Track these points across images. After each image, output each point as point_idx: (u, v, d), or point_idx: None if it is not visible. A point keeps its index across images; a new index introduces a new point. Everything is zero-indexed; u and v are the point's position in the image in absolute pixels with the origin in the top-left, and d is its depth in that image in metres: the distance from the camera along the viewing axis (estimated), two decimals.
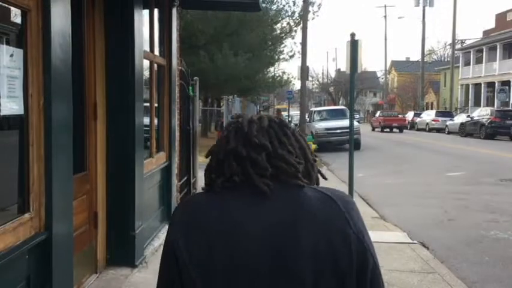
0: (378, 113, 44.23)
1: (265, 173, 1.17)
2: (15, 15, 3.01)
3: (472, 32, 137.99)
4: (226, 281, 1.11)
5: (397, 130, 37.03)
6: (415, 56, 71.22)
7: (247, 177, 1.17)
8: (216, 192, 1.18)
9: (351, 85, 8.87)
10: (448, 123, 33.96)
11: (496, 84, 39.38)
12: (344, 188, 8.89)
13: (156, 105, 6.32)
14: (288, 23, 25.59)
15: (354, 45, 8.33)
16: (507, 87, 37.43)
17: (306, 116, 25.04)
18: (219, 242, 1.12)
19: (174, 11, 6.80)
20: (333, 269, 1.12)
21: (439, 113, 38.84)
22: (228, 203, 1.16)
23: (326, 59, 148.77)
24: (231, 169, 1.18)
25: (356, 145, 16.89)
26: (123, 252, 4.96)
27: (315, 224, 1.13)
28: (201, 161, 10.52)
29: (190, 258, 1.14)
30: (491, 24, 50.78)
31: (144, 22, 5.41)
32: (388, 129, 37.25)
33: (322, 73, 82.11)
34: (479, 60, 44.19)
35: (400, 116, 41.04)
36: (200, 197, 1.22)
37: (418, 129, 38.84)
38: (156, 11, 6.31)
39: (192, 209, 1.20)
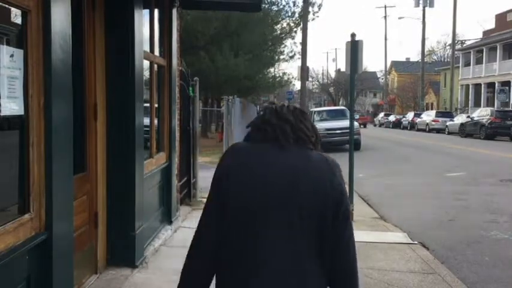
0: None
1: (289, 137, 1.80)
2: (16, 15, 3.01)
3: (472, 32, 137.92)
4: (258, 191, 1.74)
5: (362, 126, 45.05)
6: (415, 56, 71.18)
7: (275, 138, 1.80)
8: (255, 143, 1.83)
9: (350, 85, 8.88)
10: (448, 123, 33.95)
11: (496, 85, 39.39)
12: None
13: (156, 105, 6.32)
14: (288, 24, 25.63)
15: (354, 45, 8.33)
16: (507, 87, 37.44)
17: None
18: (255, 173, 1.76)
19: (174, 11, 6.80)
20: (322, 201, 1.74)
21: (439, 114, 38.82)
22: (262, 149, 1.80)
23: (326, 59, 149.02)
24: (266, 131, 1.81)
25: (356, 145, 16.89)
26: (123, 253, 4.96)
27: (314, 172, 1.77)
28: (201, 161, 10.53)
29: (235, 181, 1.77)
30: (491, 24, 50.84)
31: (144, 22, 5.41)
32: None
33: (322, 73, 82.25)
34: (479, 61, 44.20)
35: (363, 115, 60.85)
36: (245, 144, 1.88)
37: (418, 130, 38.87)
38: (156, 11, 6.31)
39: (239, 149, 1.86)
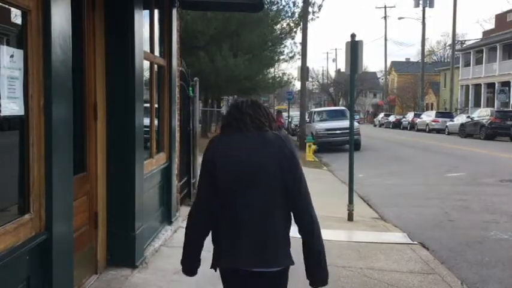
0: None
1: (249, 127, 2.52)
2: (16, 15, 3.01)
3: (472, 32, 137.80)
4: (235, 168, 2.48)
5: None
6: (415, 56, 71.06)
7: (240, 129, 2.53)
8: (227, 134, 2.57)
9: (350, 86, 8.87)
10: (448, 124, 33.94)
11: (496, 85, 39.38)
12: (344, 189, 8.89)
13: (156, 105, 6.31)
14: (288, 24, 25.60)
15: (354, 46, 8.33)
16: (507, 88, 37.43)
17: (306, 117, 25.03)
18: (231, 153, 2.50)
19: (174, 11, 6.80)
20: (279, 168, 2.47)
21: (439, 114, 38.81)
22: (233, 138, 2.54)
23: (326, 59, 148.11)
24: (233, 124, 2.55)
25: (356, 146, 16.89)
26: (123, 253, 4.96)
27: (272, 147, 2.50)
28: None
29: (220, 161, 2.49)
30: (491, 24, 50.80)
31: (144, 23, 5.41)
32: None
33: (322, 74, 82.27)
34: (479, 61, 44.19)
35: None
36: (220, 136, 2.60)
37: (418, 130, 38.86)
38: (156, 11, 6.31)
39: (218, 140, 2.58)
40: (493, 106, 36.60)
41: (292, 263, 2.59)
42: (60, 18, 3.21)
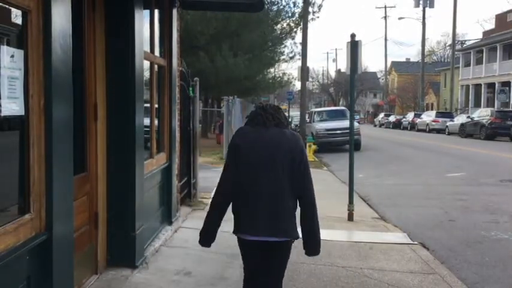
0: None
1: (270, 123, 3.25)
2: (16, 15, 3.01)
3: (472, 32, 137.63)
4: (257, 153, 3.19)
5: None
6: (415, 56, 71.03)
7: (263, 123, 3.25)
8: (252, 126, 3.29)
9: (350, 86, 8.87)
10: (448, 124, 33.94)
11: (496, 85, 39.37)
12: (344, 189, 8.88)
13: (156, 105, 6.31)
14: (288, 24, 25.62)
15: (353, 46, 8.32)
16: (507, 88, 37.42)
17: (306, 117, 25.02)
18: (254, 139, 3.23)
19: (175, 11, 6.79)
20: (291, 157, 3.20)
21: (439, 114, 38.81)
22: (257, 129, 3.26)
23: (326, 59, 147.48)
24: (257, 119, 3.29)
25: (356, 146, 16.90)
26: (124, 253, 4.96)
27: (287, 141, 3.23)
28: (201, 161, 10.52)
29: (245, 145, 3.21)
30: (491, 24, 50.78)
31: (144, 23, 5.40)
32: None
33: (323, 74, 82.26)
34: (479, 61, 44.18)
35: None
36: (246, 127, 3.34)
37: (419, 130, 38.86)
38: (156, 11, 6.31)
39: (244, 132, 3.31)
40: (493, 106, 36.59)
41: (298, 236, 3.22)
42: (61, 18, 3.21)
